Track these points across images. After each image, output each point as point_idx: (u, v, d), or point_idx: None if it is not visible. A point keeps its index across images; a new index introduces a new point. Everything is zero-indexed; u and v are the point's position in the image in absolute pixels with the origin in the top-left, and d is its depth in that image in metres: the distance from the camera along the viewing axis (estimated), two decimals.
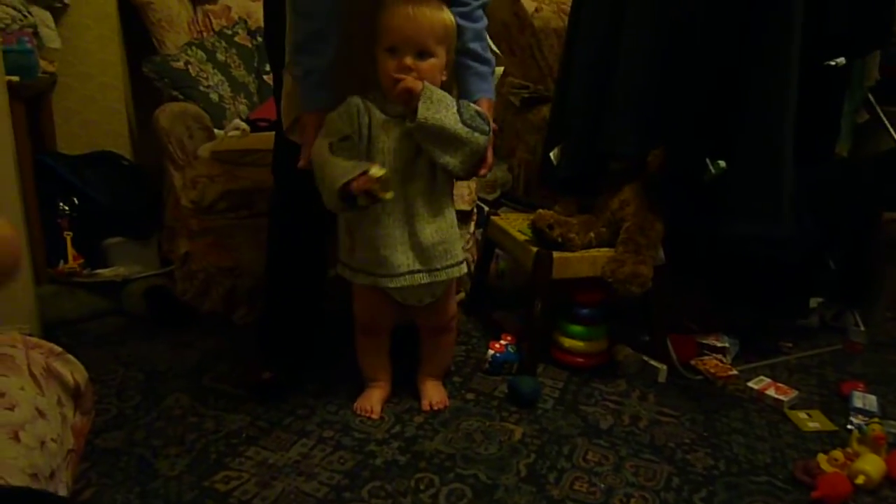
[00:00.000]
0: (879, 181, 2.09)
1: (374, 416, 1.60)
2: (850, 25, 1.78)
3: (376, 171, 1.35)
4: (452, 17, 1.43)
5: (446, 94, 1.43)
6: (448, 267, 1.54)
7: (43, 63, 2.29)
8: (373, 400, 1.63)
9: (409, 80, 1.38)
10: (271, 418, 1.58)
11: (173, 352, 1.88)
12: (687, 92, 1.72)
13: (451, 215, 1.54)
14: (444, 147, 1.43)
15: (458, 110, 1.41)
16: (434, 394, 1.67)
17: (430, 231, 1.49)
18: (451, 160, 1.45)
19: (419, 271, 1.51)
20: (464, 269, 1.59)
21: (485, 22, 1.52)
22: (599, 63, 1.85)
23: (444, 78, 1.46)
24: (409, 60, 1.39)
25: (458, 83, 1.53)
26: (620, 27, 1.79)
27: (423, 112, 1.37)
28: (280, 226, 1.71)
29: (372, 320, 1.62)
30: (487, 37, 1.53)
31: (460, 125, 1.41)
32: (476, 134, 1.43)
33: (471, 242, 2.21)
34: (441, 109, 1.39)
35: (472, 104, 1.46)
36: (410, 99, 1.39)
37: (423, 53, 1.40)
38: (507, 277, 2.33)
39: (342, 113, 1.44)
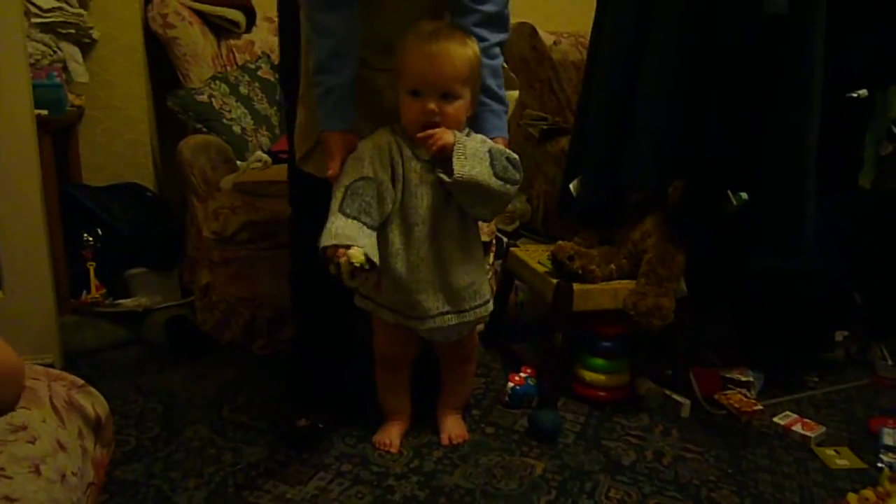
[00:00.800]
0: None
1: (393, 450, 1.58)
2: (872, 58, 1.77)
3: (355, 255, 1.26)
4: (477, 50, 1.39)
5: (478, 142, 1.40)
6: (477, 307, 1.52)
7: (71, 97, 2.34)
8: (392, 433, 1.61)
9: (440, 134, 1.35)
10: (289, 451, 1.57)
11: (193, 382, 1.88)
12: (708, 124, 1.72)
13: (479, 255, 1.53)
14: (476, 199, 1.41)
15: (492, 162, 1.37)
16: (454, 427, 1.65)
17: (461, 273, 1.47)
18: (482, 211, 1.45)
19: (448, 313, 1.49)
20: (490, 307, 1.56)
21: (501, 59, 1.50)
22: (619, 95, 1.85)
23: (469, 114, 1.43)
24: (432, 105, 1.35)
25: (471, 118, 1.51)
26: (640, 58, 1.80)
27: (459, 169, 1.34)
28: (301, 259, 1.67)
29: (394, 356, 1.60)
30: (502, 74, 1.52)
31: (494, 179, 1.37)
32: (508, 186, 1.40)
33: (490, 274, 2.20)
34: (476, 164, 1.35)
35: (504, 150, 1.43)
36: (443, 151, 1.36)
37: (447, 96, 1.36)
38: (526, 309, 2.32)
39: (374, 151, 1.40)
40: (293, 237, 1.74)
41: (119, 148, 2.63)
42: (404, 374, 1.64)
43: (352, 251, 1.26)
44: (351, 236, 1.28)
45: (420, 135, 1.36)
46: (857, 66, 1.76)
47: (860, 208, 2.06)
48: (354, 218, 1.32)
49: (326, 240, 1.29)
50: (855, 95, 1.79)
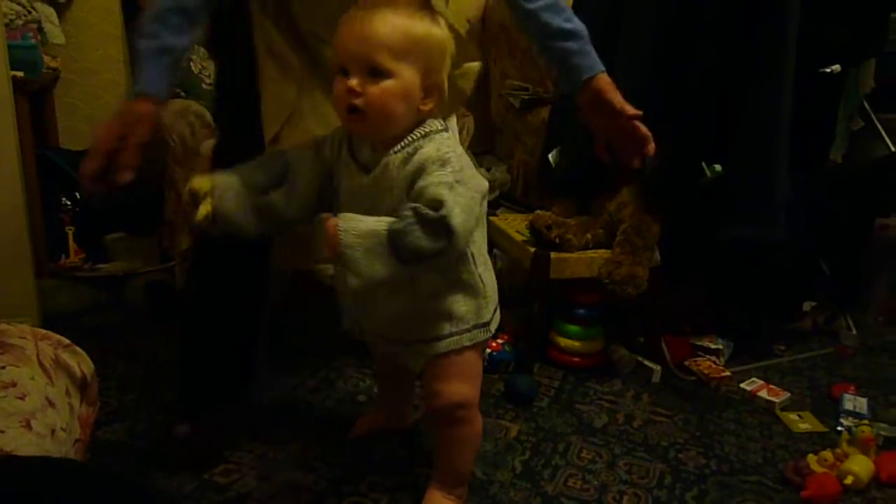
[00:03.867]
0: (873, 187, 2.12)
1: (351, 434, 1.52)
2: (845, 34, 1.81)
3: (195, 181, 1.15)
4: (436, 30, 1.10)
5: (371, 228, 1.04)
6: (416, 342, 1.21)
7: (46, 59, 2.31)
8: (363, 420, 1.55)
9: (330, 236, 1.04)
10: (271, 413, 1.60)
11: (173, 346, 1.89)
12: (683, 97, 1.75)
13: (429, 285, 1.16)
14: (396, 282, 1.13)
15: (394, 249, 1.03)
16: None
17: (389, 304, 1.18)
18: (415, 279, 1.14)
19: (376, 334, 1.27)
20: (441, 348, 1.19)
21: None
22: None
23: (425, 108, 1.10)
24: (353, 81, 1.05)
25: (558, 72, 1.32)
26: (618, 31, 1.81)
27: (354, 282, 1.04)
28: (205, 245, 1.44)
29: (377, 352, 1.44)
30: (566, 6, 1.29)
31: (401, 268, 1.05)
32: (429, 261, 1.06)
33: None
34: (374, 263, 1.04)
35: (415, 212, 1.03)
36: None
37: (375, 72, 1.05)
38: (504, 277, 2.35)
39: (314, 141, 1.21)
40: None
41: (96, 111, 2.60)
42: (387, 373, 1.48)
43: (193, 180, 1.15)
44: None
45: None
46: (831, 43, 1.79)
47: (831, 182, 2.11)
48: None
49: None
50: (828, 71, 1.83)
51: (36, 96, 2.34)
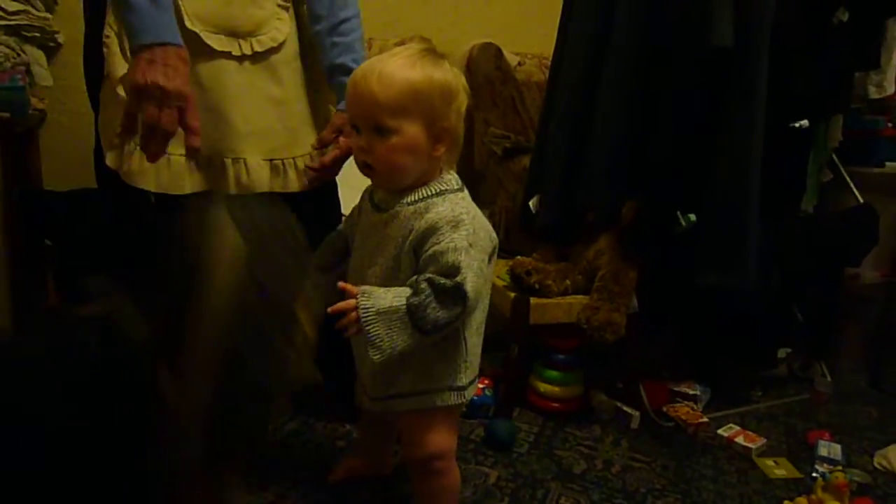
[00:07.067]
0: (842, 237, 2.18)
1: (329, 479, 1.50)
2: (813, 91, 1.88)
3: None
4: (437, 75, 1.09)
5: (390, 305, 1.06)
6: (388, 398, 1.22)
7: (33, 100, 2.33)
8: (342, 465, 1.53)
9: (349, 312, 1.06)
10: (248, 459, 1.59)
11: None
12: (659, 148, 1.80)
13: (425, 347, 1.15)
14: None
15: (414, 322, 1.06)
16: None
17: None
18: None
19: (363, 392, 1.30)
20: (413, 404, 1.21)
21: None
22: (577, 118, 1.92)
23: (437, 153, 1.12)
24: (362, 140, 1.10)
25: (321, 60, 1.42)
26: (597, 85, 1.87)
27: (377, 356, 1.06)
28: None
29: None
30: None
31: (425, 340, 1.08)
32: (447, 328, 1.09)
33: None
34: (394, 336, 1.06)
35: (435, 281, 1.06)
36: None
37: (379, 129, 1.08)
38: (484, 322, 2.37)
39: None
40: None
41: (81, 153, 2.60)
42: (374, 420, 1.42)
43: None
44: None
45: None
46: (799, 98, 1.86)
47: (803, 231, 2.17)
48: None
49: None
50: (797, 126, 1.90)
51: (21, 137, 2.35)
